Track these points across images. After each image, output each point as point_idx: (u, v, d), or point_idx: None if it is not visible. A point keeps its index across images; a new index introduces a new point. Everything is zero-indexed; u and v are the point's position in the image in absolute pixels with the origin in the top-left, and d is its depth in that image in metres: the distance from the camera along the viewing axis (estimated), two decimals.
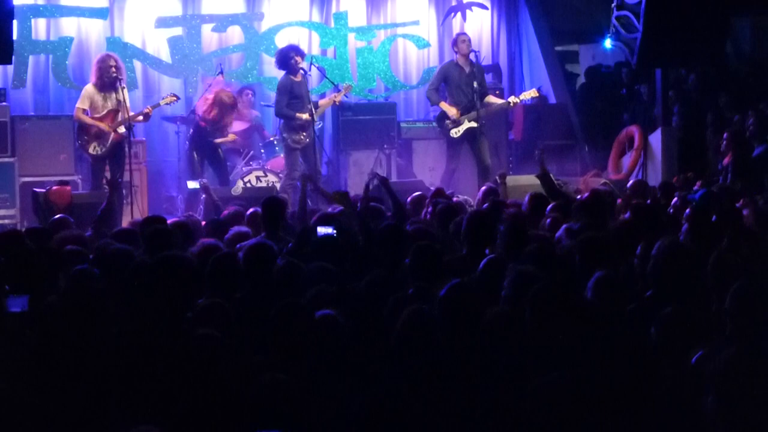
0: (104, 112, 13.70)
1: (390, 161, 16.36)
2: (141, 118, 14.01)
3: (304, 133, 14.64)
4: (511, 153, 17.38)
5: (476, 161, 15.30)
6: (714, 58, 15.65)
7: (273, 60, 16.77)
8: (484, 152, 15.18)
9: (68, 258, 7.60)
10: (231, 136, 15.06)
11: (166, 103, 14.40)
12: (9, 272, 6.63)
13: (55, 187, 12.69)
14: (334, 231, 7.90)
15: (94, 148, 13.76)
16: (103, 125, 13.66)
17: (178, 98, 14.69)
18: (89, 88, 13.87)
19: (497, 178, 12.87)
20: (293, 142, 14.60)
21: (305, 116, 14.53)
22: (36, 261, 6.83)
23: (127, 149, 13.81)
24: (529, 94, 15.71)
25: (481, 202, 11.37)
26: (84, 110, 13.70)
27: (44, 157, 14.53)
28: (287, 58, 14.70)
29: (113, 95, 13.75)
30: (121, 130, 13.76)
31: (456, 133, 15.21)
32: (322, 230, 7.96)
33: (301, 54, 14.87)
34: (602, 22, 16.52)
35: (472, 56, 15.44)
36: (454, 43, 15.60)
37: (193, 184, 14.32)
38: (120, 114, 13.70)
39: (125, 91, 13.85)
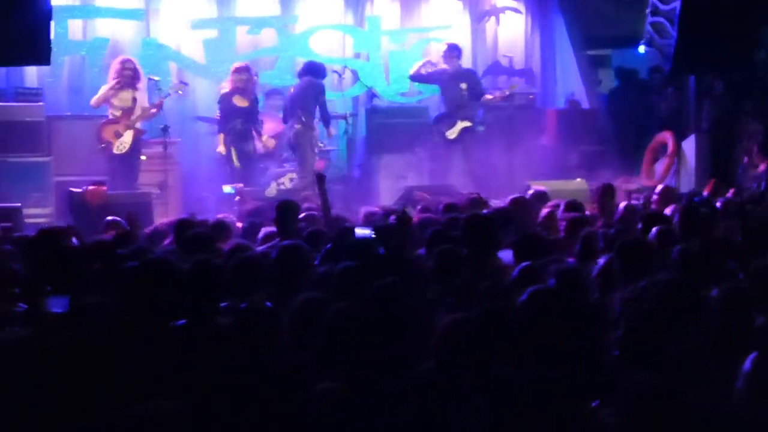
0: (121, 111, 14.01)
1: (422, 164, 16.40)
2: (154, 110, 14.37)
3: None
4: (544, 158, 17.35)
5: (467, 164, 15.52)
6: (743, 65, 15.63)
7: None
8: (472, 158, 15.49)
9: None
10: None
11: (176, 91, 14.58)
12: (49, 271, 6.67)
13: (91, 187, 12.78)
14: (372, 233, 7.92)
15: (118, 148, 14.03)
16: (119, 126, 14.09)
17: (187, 84, 14.91)
18: (103, 87, 14.39)
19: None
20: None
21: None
22: (75, 260, 6.87)
23: (162, 149, 14.05)
24: (511, 88, 16.12)
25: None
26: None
27: (79, 156, 14.56)
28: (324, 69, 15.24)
29: (129, 94, 14.20)
30: (138, 125, 14.21)
31: (451, 134, 15.42)
32: (360, 232, 7.99)
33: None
34: (635, 28, 16.49)
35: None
36: None
37: (228, 189, 14.37)
38: (136, 110, 14.17)
39: (139, 92, 14.37)
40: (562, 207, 10.39)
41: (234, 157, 14.84)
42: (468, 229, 7.98)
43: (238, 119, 14.84)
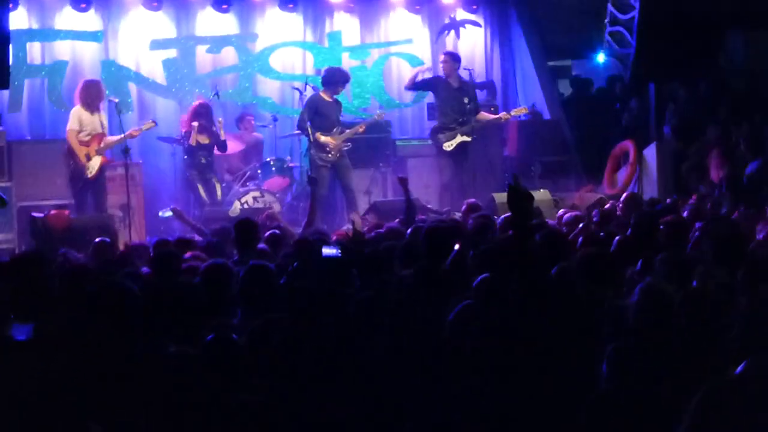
0: (92, 135, 13.89)
1: (386, 179, 16.40)
2: (120, 140, 14.21)
3: (331, 153, 14.85)
4: (506, 169, 17.37)
5: (463, 177, 15.49)
6: (707, 72, 15.72)
7: (267, 80, 16.92)
8: (468, 170, 15.44)
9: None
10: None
11: (147, 129, 14.53)
12: (16, 299, 6.60)
13: (53, 211, 12.70)
14: (339, 252, 7.89)
15: (88, 171, 13.88)
16: (89, 149, 13.89)
17: (156, 124, 14.81)
18: (78, 110, 14.11)
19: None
20: (320, 159, 14.81)
21: (322, 137, 14.80)
22: (42, 287, 6.80)
23: (124, 171, 13.95)
24: (520, 111, 16.18)
25: (465, 217, 11.50)
26: (77, 132, 13.87)
27: (41, 181, 14.47)
28: (340, 78, 15.17)
29: (97, 118, 14.01)
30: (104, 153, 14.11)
31: (449, 146, 15.35)
32: (326, 251, 7.95)
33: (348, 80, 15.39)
34: (594, 38, 16.57)
35: (465, 74, 15.77)
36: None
37: (164, 213, 14.42)
38: (105, 138, 14.05)
39: (104, 114, 14.23)
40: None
41: (201, 192, 14.86)
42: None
43: (200, 153, 14.89)
